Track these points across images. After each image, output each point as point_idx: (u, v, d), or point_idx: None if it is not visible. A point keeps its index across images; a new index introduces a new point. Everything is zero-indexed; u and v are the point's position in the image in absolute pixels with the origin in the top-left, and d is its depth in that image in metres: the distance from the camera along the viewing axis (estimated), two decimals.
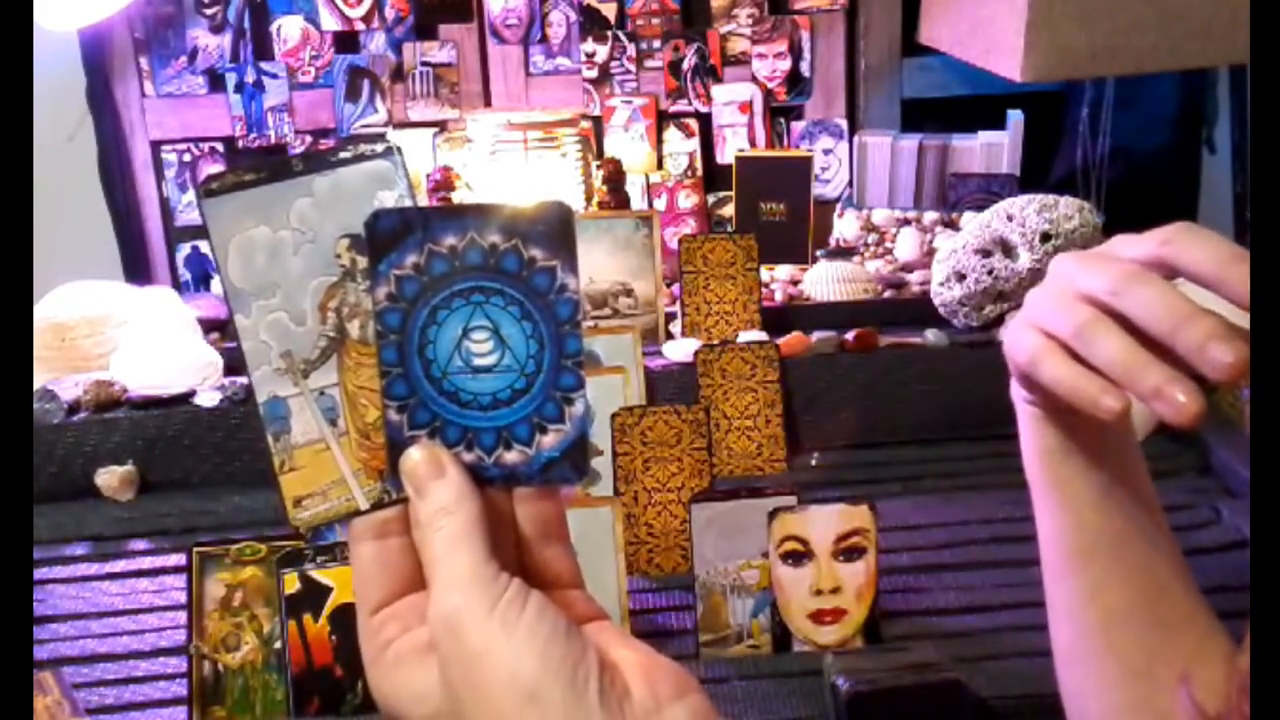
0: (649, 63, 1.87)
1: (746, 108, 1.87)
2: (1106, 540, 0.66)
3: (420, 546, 0.47)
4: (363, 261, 0.48)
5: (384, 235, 0.47)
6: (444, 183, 1.70)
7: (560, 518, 0.50)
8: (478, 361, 0.48)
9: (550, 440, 0.48)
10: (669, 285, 1.58)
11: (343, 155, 0.48)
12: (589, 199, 1.72)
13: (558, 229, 0.47)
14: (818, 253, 1.70)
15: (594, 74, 1.87)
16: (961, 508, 1.27)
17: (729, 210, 1.83)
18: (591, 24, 1.85)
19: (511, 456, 0.48)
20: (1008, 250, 1.45)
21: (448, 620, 0.44)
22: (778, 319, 1.52)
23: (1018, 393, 0.67)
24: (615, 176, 1.69)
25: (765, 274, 1.60)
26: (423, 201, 1.83)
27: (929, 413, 1.40)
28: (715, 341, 1.44)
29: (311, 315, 0.49)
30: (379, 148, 0.49)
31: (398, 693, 0.46)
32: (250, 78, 1.83)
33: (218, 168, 1.85)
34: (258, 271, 0.48)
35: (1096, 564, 0.66)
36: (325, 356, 0.49)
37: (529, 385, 0.48)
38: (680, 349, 1.45)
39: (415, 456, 0.47)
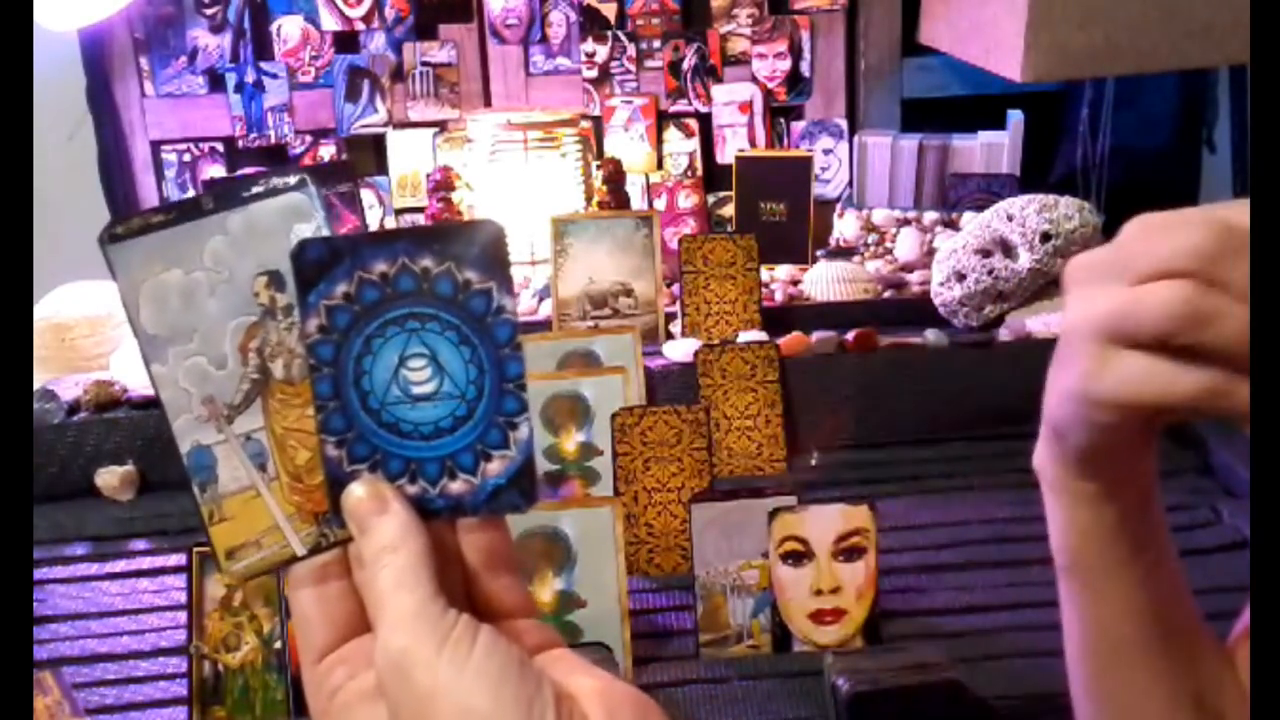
0: (649, 63, 1.87)
1: (746, 108, 1.87)
2: (1151, 631, 0.58)
3: (364, 587, 0.46)
4: (282, 299, 0.46)
5: (311, 265, 0.45)
6: (444, 183, 1.70)
7: (508, 546, 0.48)
8: (416, 390, 0.46)
9: (496, 467, 0.46)
10: (669, 285, 1.58)
11: (255, 190, 0.46)
12: (589, 199, 1.72)
13: (491, 249, 0.45)
14: (818, 253, 1.70)
15: (594, 74, 1.87)
16: (961, 508, 1.27)
17: (729, 210, 1.83)
18: (591, 24, 1.85)
19: (457, 486, 0.46)
20: (1008, 250, 1.45)
21: (395, 662, 0.43)
22: (778, 319, 1.52)
23: (1056, 471, 0.55)
24: (615, 176, 1.69)
25: (765, 274, 1.60)
26: (417, 202, 1.83)
27: (929, 413, 1.40)
28: (715, 341, 1.44)
29: (232, 358, 0.46)
30: (291, 180, 0.47)
31: None
32: (250, 78, 1.83)
33: (218, 168, 1.85)
34: (172, 316, 0.46)
35: (1153, 653, 0.58)
36: (249, 400, 0.47)
37: (471, 412, 0.46)
38: (680, 349, 1.45)
39: (357, 493, 0.45)
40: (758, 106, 1.87)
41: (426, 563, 0.44)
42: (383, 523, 0.45)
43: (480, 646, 0.43)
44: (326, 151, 1.87)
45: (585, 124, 1.80)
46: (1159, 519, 0.57)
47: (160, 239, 0.46)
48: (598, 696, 0.43)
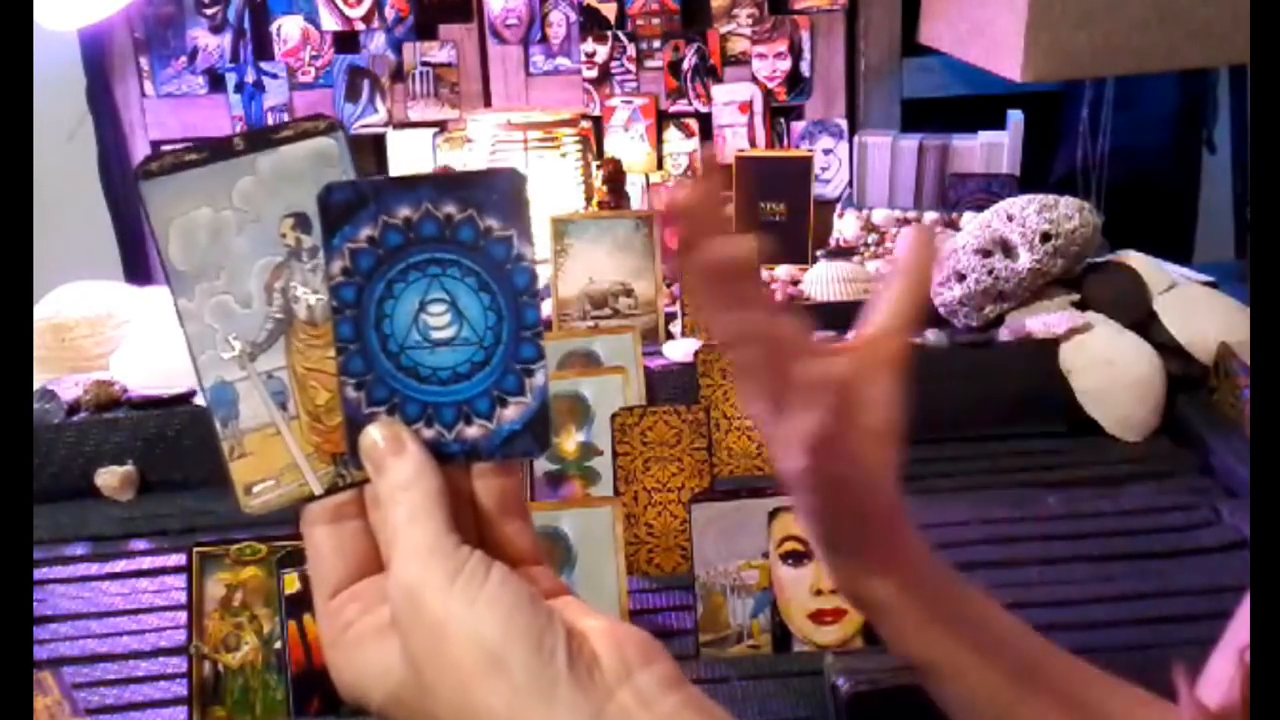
0: (649, 63, 1.87)
1: (746, 108, 1.87)
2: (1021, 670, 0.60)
3: (379, 525, 0.47)
4: (308, 241, 0.47)
5: (337, 208, 0.46)
6: None
7: (520, 493, 0.49)
8: (435, 335, 0.47)
9: (511, 413, 0.47)
10: (669, 285, 1.58)
11: (285, 134, 0.47)
12: (589, 199, 1.72)
13: (512, 197, 0.46)
14: (818, 253, 1.70)
15: (594, 74, 1.87)
16: (961, 508, 1.26)
17: (729, 210, 1.83)
18: (591, 24, 1.86)
19: (472, 431, 0.47)
20: (1008, 250, 1.45)
21: (408, 591, 0.43)
22: None
23: (886, 591, 0.59)
24: (615, 176, 1.69)
25: (765, 274, 1.60)
26: None
27: (929, 413, 1.40)
28: (715, 341, 1.43)
29: (257, 297, 0.47)
30: (321, 125, 0.48)
31: (360, 672, 0.45)
32: (250, 78, 1.83)
33: None
34: (200, 253, 0.47)
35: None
36: (273, 338, 0.48)
37: (488, 358, 0.47)
38: (680, 349, 1.45)
39: (374, 434, 0.46)
40: (758, 106, 1.87)
41: (441, 501, 0.45)
42: (399, 463, 0.46)
43: (493, 580, 0.43)
44: None
45: (585, 124, 1.79)
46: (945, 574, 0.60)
47: (191, 177, 0.46)
48: (607, 635, 0.44)
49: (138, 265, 1.85)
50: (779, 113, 1.90)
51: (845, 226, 1.74)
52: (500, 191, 0.46)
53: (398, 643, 0.44)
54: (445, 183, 0.46)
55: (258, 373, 0.48)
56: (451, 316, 0.47)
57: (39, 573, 1.22)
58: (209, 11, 1.81)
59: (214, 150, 0.47)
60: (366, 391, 0.47)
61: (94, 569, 1.23)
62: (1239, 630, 0.61)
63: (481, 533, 0.48)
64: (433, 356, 0.47)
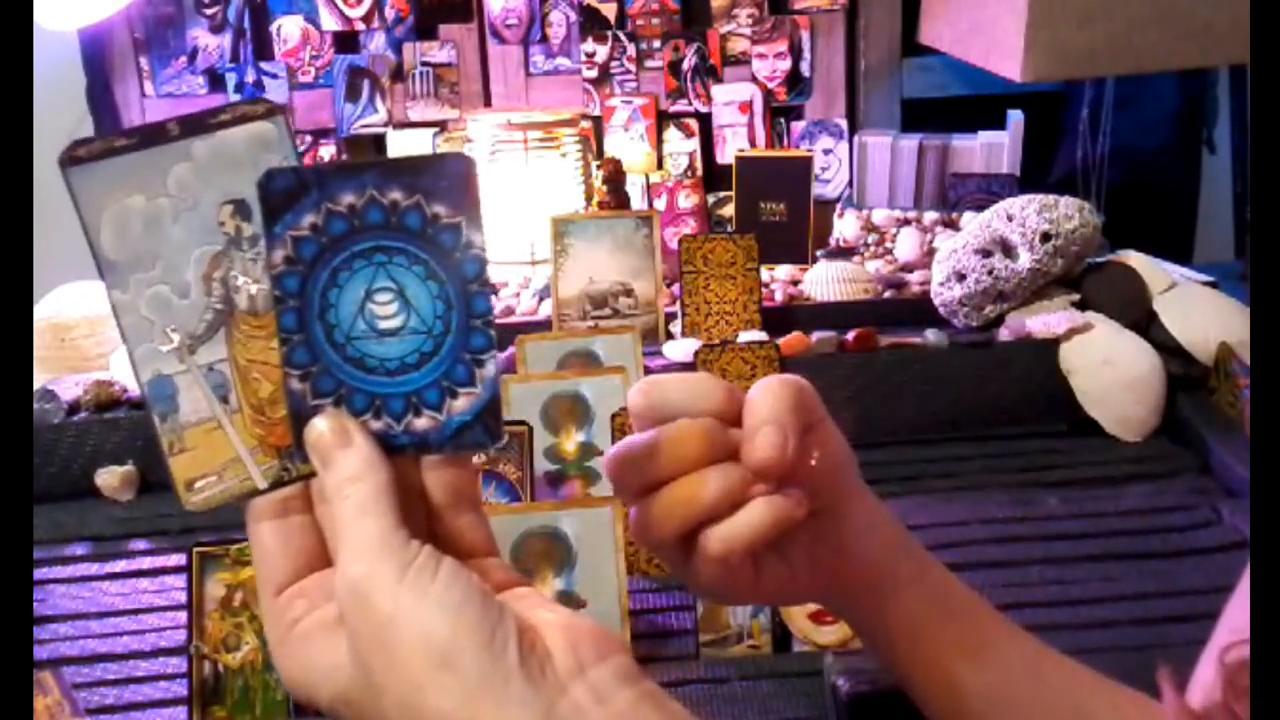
0: (649, 63, 1.87)
1: (746, 108, 1.87)
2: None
3: (326, 520, 0.46)
4: (248, 229, 0.46)
5: (278, 195, 0.44)
6: None
7: (473, 485, 0.48)
8: (382, 325, 0.45)
9: (461, 404, 0.46)
10: (669, 285, 1.58)
11: (222, 118, 0.45)
12: (589, 199, 1.72)
13: (461, 183, 0.45)
14: (818, 253, 1.70)
15: (594, 74, 1.87)
16: (961, 508, 1.26)
17: (729, 210, 1.83)
18: (591, 24, 1.86)
19: (422, 423, 0.46)
20: (1008, 250, 1.45)
21: (356, 588, 0.43)
22: (778, 319, 1.52)
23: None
24: (615, 176, 1.69)
25: (765, 274, 1.60)
26: None
27: (929, 413, 1.40)
28: (715, 341, 1.43)
29: (195, 287, 0.46)
30: (260, 109, 0.46)
31: (307, 670, 0.45)
32: (250, 78, 1.83)
33: None
34: (134, 243, 0.45)
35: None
36: (212, 330, 0.46)
37: (437, 348, 0.46)
38: (680, 349, 1.45)
39: (320, 427, 0.45)
40: (758, 106, 1.87)
41: (390, 494, 0.44)
42: (346, 456, 0.45)
43: (442, 576, 0.43)
44: (326, 152, 1.87)
45: (585, 124, 1.80)
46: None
47: (123, 163, 0.45)
48: (560, 630, 0.43)
49: None
50: (779, 113, 1.90)
51: (845, 226, 1.74)
52: (448, 177, 0.45)
53: (345, 640, 0.43)
54: (391, 168, 0.45)
55: (198, 365, 0.46)
56: (399, 306, 0.45)
57: (39, 573, 1.22)
58: (209, 11, 1.82)
59: (146, 135, 0.45)
60: (312, 383, 0.45)
61: (94, 569, 1.23)
62: (1222, 632, 0.61)
63: (433, 526, 0.47)
64: (380, 347, 0.46)
